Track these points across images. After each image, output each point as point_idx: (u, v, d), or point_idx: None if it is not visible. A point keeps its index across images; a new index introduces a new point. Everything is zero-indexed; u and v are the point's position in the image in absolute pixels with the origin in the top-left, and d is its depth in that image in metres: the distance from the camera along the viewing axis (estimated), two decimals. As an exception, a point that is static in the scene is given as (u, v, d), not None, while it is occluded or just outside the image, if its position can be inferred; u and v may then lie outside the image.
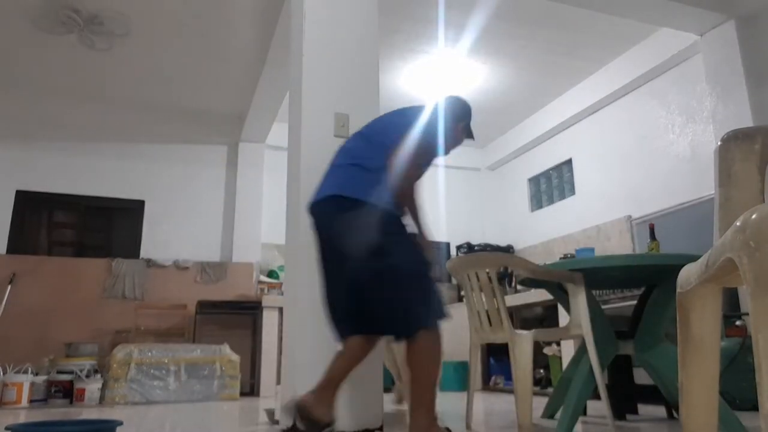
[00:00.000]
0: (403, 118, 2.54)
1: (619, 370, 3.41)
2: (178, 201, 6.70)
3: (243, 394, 5.49)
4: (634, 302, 3.27)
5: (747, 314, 3.70)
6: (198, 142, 6.92)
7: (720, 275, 1.34)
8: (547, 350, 5.10)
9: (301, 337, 2.72)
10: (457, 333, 6.79)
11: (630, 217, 5.71)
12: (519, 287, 5.95)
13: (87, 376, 4.94)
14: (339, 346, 2.44)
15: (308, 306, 2.77)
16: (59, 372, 5.02)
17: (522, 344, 2.75)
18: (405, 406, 2.91)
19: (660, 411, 3.64)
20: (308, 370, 2.69)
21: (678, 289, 1.58)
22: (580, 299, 2.81)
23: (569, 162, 6.71)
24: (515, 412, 2.91)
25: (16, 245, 6.02)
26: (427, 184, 7.85)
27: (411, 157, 2.37)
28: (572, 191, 6.62)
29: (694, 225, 4.93)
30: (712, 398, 1.54)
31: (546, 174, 7.17)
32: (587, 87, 6.22)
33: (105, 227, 6.57)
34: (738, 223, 1.13)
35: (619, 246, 5.76)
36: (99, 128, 6.56)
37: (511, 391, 5.38)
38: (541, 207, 7.21)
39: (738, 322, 3.74)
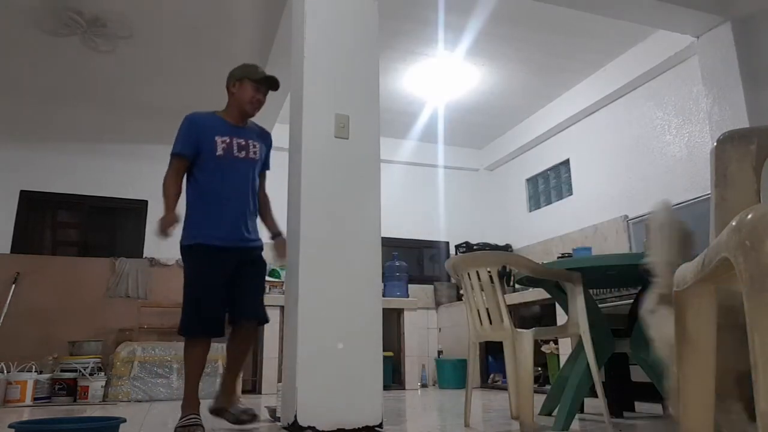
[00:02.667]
0: None
1: (616, 367, 3.44)
2: (180, 201, 6.69)
3: (245, 391, 5.52)
4: (631, 301, 3.31)
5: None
6: (200, 143, 6.93)
7: (716, 275, 1.34)
8: (544, 348, 5.14)
9: (301, 335, 2.75)
10: (456, 331, 6.83)
11: (627, 216, 5.74)
12: (517, 286, 5.99)
13: (90, 374, 4.97)
14: (340, 345, 2.80)
15: (309, 304, 2.80)
16: (63, 370, 5.04)
17: (523, 342, 2.78)
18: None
19: (657, 409, 3.67)
20: (309, 368, 2.72)
21: (674, 288, 1.60)
22: (578, 298, 2.84)
23: (567, 162, 6.74)
24: (509, 409, 2.95)
25: (20, 245, 6.03)
26: (426, 184, 7.90)
27: None
28: (570, 191, 6.65)
29: (690, 225, 4.95)
30: (709, 396, 1.56)
31: (544, 174, 7.21)
32: (585, 89, 6.25)
33: (108, 227, 6.58)
34: (734, 223, 1.13)
35: (616, 245, 5.79)
36: (102, 129, 6.58)
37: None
38: (539, 207, 7.24)
39: (734, 321, 3.76)
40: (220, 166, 3.10)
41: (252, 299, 3.14)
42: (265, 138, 3.38)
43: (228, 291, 3.07)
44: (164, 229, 2.98)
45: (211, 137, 3.11)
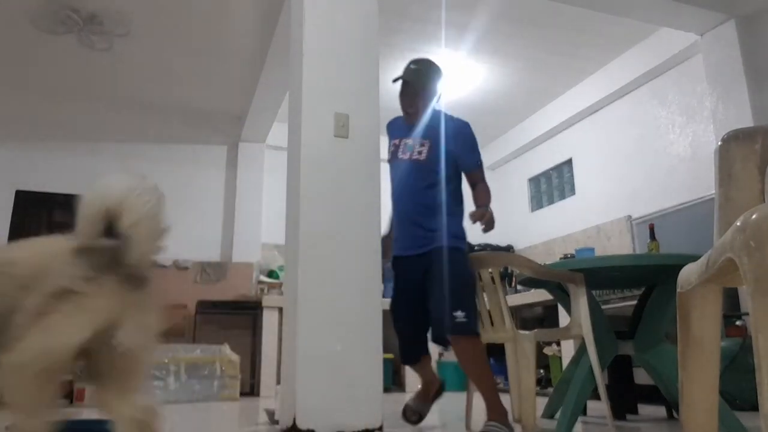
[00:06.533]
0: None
1: (619, 370, 3.41)
2: (178, 201, 6.67)
3: (243, 394, 5.48)
4: (635, 302, 3.27)
5: (747, 314, 3.69)
6: (198, 142, 6.91)
7: (720, 275, 1.33)
8: (547, 350, 5.10)
9: (301, 337, 2.72)
10: (458, 333, 6.78)
11: (630, 217, 5.70)
12: (519, 287, 5.94)
13: (87, 376, 4.93)
14: (339, 347, 2.74)
15: (308, 306, 2.76)
16: (59, 372, 5.01)
17: (525, 344, 2.75)
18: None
19: (660, 411, 3.63)
20: (309, 370, 2.69)
21: (678, 289, 1.57)
22: (580, 299, 2.80)
23: (569, 162, 6.71)
24: (511, 412, 2.92)
25: (16, 245, 6.00)
26: (427, 184, 7.85)
27: None
28: (572, 191, 6.62)
29: (694, 225, 4.92)
30: (712, 398, 1.54)
31: (546, 174, 7.17)
32: (588, 87, 6.21)
33: (105, 227, 6.55)
34: (738, 223, 1.12)
35: (619, 246, 5.76)
36: (99, 128, 6.55)
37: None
38: (541, 207, 7.21)
39: (738, 322, 3.73)
40: (392, 169, 3.13)
41: (433, 317, 2.86)
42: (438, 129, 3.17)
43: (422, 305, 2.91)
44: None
45: (389, 140, 3.22)
